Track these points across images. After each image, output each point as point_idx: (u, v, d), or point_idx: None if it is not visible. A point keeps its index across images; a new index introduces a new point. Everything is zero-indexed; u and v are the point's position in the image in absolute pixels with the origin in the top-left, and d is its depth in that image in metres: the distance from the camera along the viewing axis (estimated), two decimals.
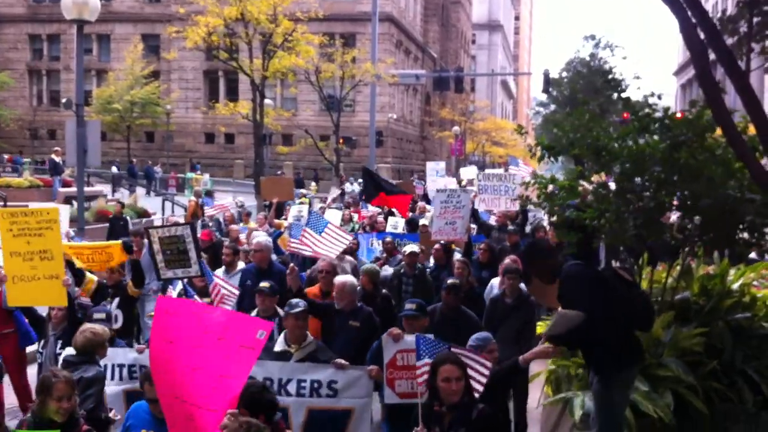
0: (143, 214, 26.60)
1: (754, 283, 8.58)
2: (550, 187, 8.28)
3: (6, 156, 49.56)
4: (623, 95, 8.06)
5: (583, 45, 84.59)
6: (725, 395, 7.34)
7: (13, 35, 69.19)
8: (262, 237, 11.79)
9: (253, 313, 8.45)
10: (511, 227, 15.04)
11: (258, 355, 5.21)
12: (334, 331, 8.32)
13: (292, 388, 6.98)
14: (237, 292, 10.25)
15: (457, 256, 12.88)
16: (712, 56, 5.90)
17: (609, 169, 7.70)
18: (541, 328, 9.06)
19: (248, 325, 5.28)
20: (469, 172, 28.72)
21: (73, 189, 23.70)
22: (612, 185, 7.84)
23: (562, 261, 6.58)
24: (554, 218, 8.36)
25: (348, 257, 12.53)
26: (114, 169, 46.51)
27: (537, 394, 8.93)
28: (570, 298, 5.93)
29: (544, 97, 69.65)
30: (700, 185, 7.05)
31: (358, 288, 9.57)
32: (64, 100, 22.63)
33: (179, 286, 10.07)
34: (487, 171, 20.28)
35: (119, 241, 12.23)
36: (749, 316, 7.85)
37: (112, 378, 7.72)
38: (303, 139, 43.91)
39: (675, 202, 7.52)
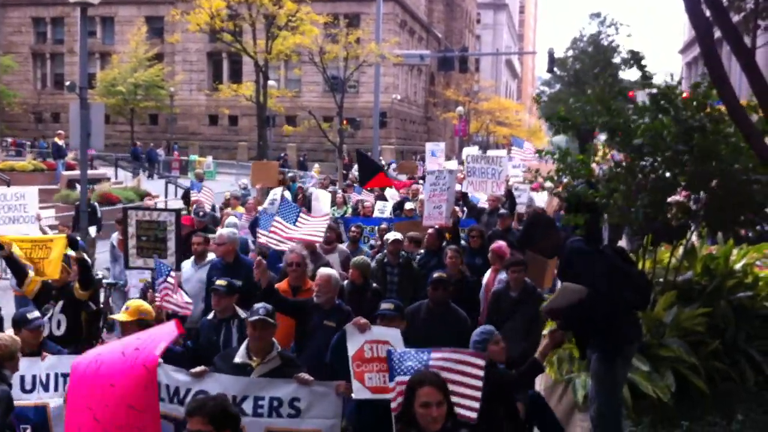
0: (146, 196, 26.59)
1: (757, 263, 8.55)
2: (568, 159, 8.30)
3: (9, 139, 49.60)
4: (643, 72, 7.79)
5: (589, 23, 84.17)
6: (727, 375, 7.34)
7: (17, 18, 69.11)
8: (226, 229, 10.84)
9: (210, 315, 7.76)
10: (502, 211, 14.53)
11: (155, 377, 5.07)
12: (308, 331, 7.60)
13: (248, 406, 6.07)
14: (188, 301, 8.68)
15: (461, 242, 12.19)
16: (717, 34, 5.84)
17: (625, 146, 7.62)
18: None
19: (151, 343, 5.16)
20: (471, 152, 28.60)
21: (77, 172, 23.72)
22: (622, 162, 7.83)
23: (565, 235, 6.51)
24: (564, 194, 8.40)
25: (340, 246, 11.84)
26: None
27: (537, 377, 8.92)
28: (573, 272, 5.88)
29: (548, 77, 69.49)
30: (709, 165, 7.04)
31: (346, 282, 9.24)
32: (67, 83, 22.58)
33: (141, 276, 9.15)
34: (475, 153, 19.57)
35: (63, 235, 10.33)
36: (752, 295, 7.83)
37: (56, 389, 6.76)
38: (306, 121, 43.77)
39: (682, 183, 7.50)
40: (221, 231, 10.44)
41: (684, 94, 7.50)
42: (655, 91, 7.48)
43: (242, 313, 7.43)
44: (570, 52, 65.28)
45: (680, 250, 8.12)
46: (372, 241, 13.78)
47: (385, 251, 10.74)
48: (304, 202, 18.30)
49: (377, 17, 41.98)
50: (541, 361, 6.00)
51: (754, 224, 7.68)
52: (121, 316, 7.17)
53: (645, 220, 7.39)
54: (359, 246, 12.59)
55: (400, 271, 10.37)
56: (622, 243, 11.65)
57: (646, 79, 7.61)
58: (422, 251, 11.34)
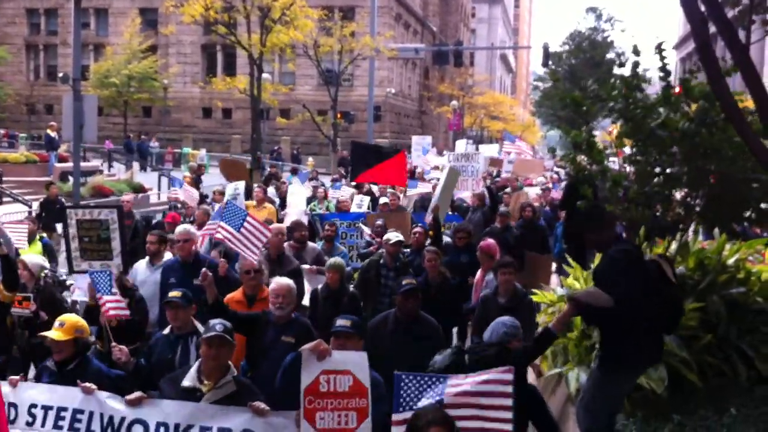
0: (139, 189, 26.56)
1: (749, 258, 8.57)
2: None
3: (2, 131, 49.40)
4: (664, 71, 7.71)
5: (584, 17, 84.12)
6: (719, 370, 7.36)
7: (11, 9, 68.78)
8: (185, 225, 9.97)
9: (165, 331, 6.86)
10: (503, 208, 14.24)
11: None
12: (262, 348, 6.79)
13: None
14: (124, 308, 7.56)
15: (446, 239, 11.86)
16: (712, 29, 5.84)
17: (635, 134, 7.56)
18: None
19: None
20: (460, 146, 28.54)
21: (70, 164, 23.67)
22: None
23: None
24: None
25: (311, 245, 11.09)
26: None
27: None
28: (605, 281, 5.72)
29: (543, 71, 69.51)
30: (711, 161, 7.05)
31: (320, 286, 8.85)
32: (61, 75, 22.46)
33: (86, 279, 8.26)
34: (456, 151, 19.30)
35: None
36: (744, 291, 7.85)
37: None
38: (300, 114, 43.72)
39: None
40: (179, 227, 9.57)
41: (677, 89, 7.50)
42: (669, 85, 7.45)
43: (200, 327, 6.65)
44: (566, 47, 65.37)
45: (673, 245, 8.12)
46: (354, 238, 13.17)
47: (382, 251, 10.07)
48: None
49: (372, 10, 41.97)
50: (556, 329, 5.91)
51: (752, 222, 7.70)
52: (54, 333, 6.10)
53: (654, 217, 7.45)
54: (335, 245, 11.92)
55: (396, 274, 9.50)
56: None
57: (665, 74, 7.51)
58: (408, 250, 10.79)
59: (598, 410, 5.90)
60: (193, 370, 5.58)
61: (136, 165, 41.22)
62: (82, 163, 25.22)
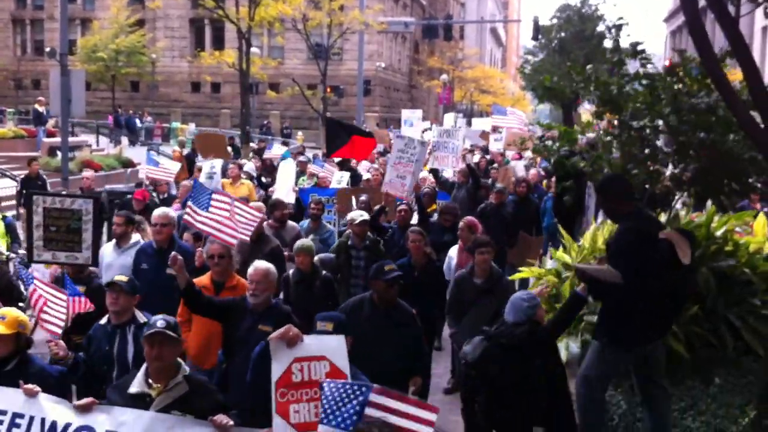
0: (128, 164, 26.45)
1: (737, 229, 8.62)
2: (552, 133, 8.37)
3: None
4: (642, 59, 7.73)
5: None
6: (707, 341, 7.43)
7: None
8: (162, 209, 9.32)
9: (102, 320, 6.37)
10: (498, 185, 13.94)
11: None
12: (238, 337, 6.38)
13: None
14: (64, 298, 6.91)
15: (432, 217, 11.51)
16: (702, 2, 5.85)
17: (618, 114, 7.59)
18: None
19: None
20: (449, 120, 28.32)
21: (58, 139, 23.55)
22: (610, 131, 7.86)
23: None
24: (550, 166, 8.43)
25: (291, 224, 10.70)
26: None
27: None
28: (616, 260, 5.70)
29: (533, 45, 69.21)
30: (701, 136, 7.08)
31: (291, 271, 8.50)
32: (48, 50, 22.25)
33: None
34: (441, 127, 18.54)
35: None
36: (732, 263, 7.90)
37: None
38: (290, 88, 43.48)
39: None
40: (158, 210, 9.13)
41: (666, 63, 7.53)
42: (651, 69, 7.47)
43: (142, 318, 6.26)
44: (555, 21, 65.02)
45: (662, 217, 8.16)
46: (332, 214, 12.90)
47: (349, 232, 9.65)
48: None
49: None
50: (584, 292, 5.90)
51: (741, 194, 7.75)
52: None
53: (642, 189, 7.47)
54: (321, 223, 11.41)
55: (367, 254, 9.33)
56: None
57: (644, 60, 7.55)
58: (393, 226, 10.63)
59: (595, 381, 5.94)
60: (140, 374, 5.02)
61: (124, 140, 41.00)
62: (71, 138, 25.08)
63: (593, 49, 50.23)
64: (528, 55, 70.24)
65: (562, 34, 61.68)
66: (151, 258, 8.37)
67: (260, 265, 6.54)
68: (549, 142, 8.37)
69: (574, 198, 9.02)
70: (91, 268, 8.20)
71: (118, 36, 54.39)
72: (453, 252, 9.65)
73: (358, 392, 4.45)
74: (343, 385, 4.53)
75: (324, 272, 8.55)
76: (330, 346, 4.80)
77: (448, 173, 16.00)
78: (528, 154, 22.19)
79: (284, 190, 13.93)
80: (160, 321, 5.01)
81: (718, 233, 8.26)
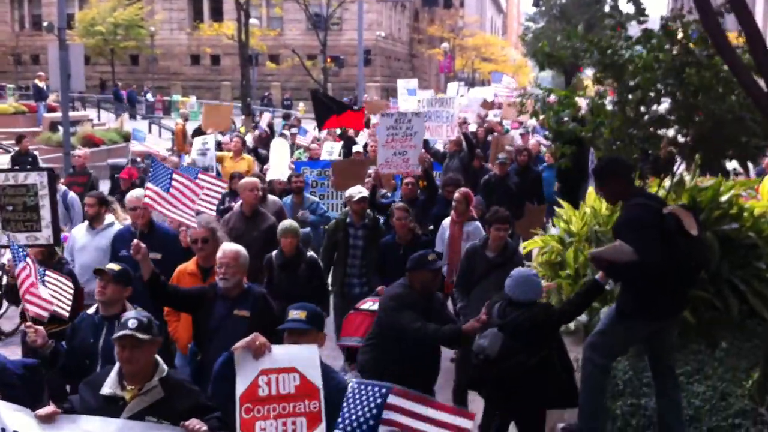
0: (129, 138, 26.40)
1: (742, 194, 8.60)
2: (551, 98, 8.31)
3: None
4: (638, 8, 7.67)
5: None
6: (711, 304, 7.43)
7: None
8: (138, 190, 8.71)
9: (91, 310, 5.93)
10: (501, 155, 13.51)
11: None
12: (212, 327, 5.95)
13: None
14: (47, 299, 6.38)
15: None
16: None
17: (619, 79, 7.53)
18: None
19: None
20: (452, 89, 28.07)
21: (58, 114, 23.51)
22: (608, 95, 7.81)
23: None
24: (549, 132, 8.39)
25: (272, 198, 10.27)
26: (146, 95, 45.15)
27: None
28: (628, 241, 5.56)
29: (534, 11, 68.74)
30: (701, 99, 7.03)
31: (275, 253, 8.10)
32: (46, 24, 22.12)
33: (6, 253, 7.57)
34: (431, 96, 17.88)
35: None
36: (737, 226, 7.88)
37: None
38: (290, 59, 43.31)
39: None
40: (133, 191, 8.71)
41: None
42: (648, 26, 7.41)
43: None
44: None
45: (667, 182, 8.14)
46: (324, 187, 12.42)
47: (347, 209, 9.31)
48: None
49: None
50: (603, 281, 5.82)
51: (741, 160, 7.70)
52: None
53: (642, 155, 7.41)
54: (305, 196, 11.11)
55: (366, 233, 9.02)
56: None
57: (640, 14, 7.49)
58: (397, 200, 10.18)
59: (607, 350, 5.92)
60: (113, 374, 4.54)
61: (125, 114, 40.92)
62: (71, 113, 25.02)
63: (594, 14, 49.86)
64: (529, 22, 69.80)
65: (563, 0, 61.24)
66: (129, 242, 7.42)
67: (229, 247, 6.18)
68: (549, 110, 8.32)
69: (576, 164, 8.97)
70: (61, 254, 7.74)
71: (116, 9, 54.23)
72: (446, 223, 9.32)
73: (377, 395, 4.29)
74: (364, 387, 4.36)
75: (309, 253, 8.20)
76: (301, 357, 4.35)
77: (440, 144, 15.56)
78: (531, 122, 21.97)
79: (278, 167, 13.40)
80: (131, 320, 4.50)
81: (724, 198, 8.24)
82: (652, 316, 5.70)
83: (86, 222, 8.82)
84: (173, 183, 7.26)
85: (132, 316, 4.59)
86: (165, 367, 4.57)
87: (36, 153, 18.24)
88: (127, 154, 22.67)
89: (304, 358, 4.36)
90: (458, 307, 8.14)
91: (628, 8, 7.74)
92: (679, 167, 8.11)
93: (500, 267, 7.39)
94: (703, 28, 6.36)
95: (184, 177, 7.55)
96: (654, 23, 7.57)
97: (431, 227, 9.82)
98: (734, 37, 6.50)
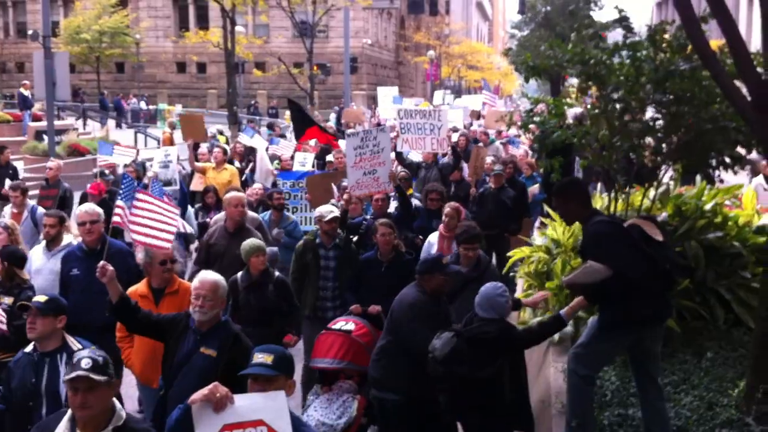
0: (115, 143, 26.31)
1: (726, 202, 8.66)
2: (540, 107, 8.36)
3: None
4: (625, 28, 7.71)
5: None
6: (697, 313, 7.47)
7: None
8: (88, 204, 8.35)
9: (28, 348, 5.46)
10: (497, 167, 13.07)
11: None
12: (178, 362, 5.52)
13: None
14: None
15: (416, 202, 10.81)
16: None
17: (602, 89, 7.57)
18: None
19: None
20: (438, 97, 27.99)
21: (44, 123, 23.41)
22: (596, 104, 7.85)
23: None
24: (536, 144, 8.42)
25: (251, 214, 9.77)
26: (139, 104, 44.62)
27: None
28: (597, 257, 5.61)
29: (519, 18, 69.09)
30: (683, 108, 7.08)
31: (240, 274, 7.65)
32: (30, 32, 22.04)
33: None
34: (409, 107, 16.49)
35: None
36: (721, 235, 7.93)
37: None
38: (276, 67, 43.27)
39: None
40: (82, 206, 8.15)
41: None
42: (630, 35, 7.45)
43: (75, 345, 5.38)
44: None
45: (651, 191, 8.19)
46: (297, 199, 11.92)
47: (316, 229, 8.83)
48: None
49: None
50: (566, 318, 5.89)
51: (724, 167, 7.75)
52: None
53: (627, 162, 7.46)
54: (284, 215, 10.77)
55: (338, 254, 8.57)
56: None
57: (627, 30, 7.53)
58: (368, 217, 9.94)
59: (594, 361, 5.93)
60: (65, 420, 4.11)
61: (111, 122, 40.77)
62: (57, 122, 24.91)
63: (579, 21, 50.19)
64: (514, 30, 70.09)
65: (548, 8, 61.56)
66: (82, 262, 7.37)
67: (207, 276, 5.64)
68: (537, 118, 8.36)
69: (563, 173, 9.01)
70: (26, 277, 7.33)
71: (101, 16, 53.97)
72: (433, 238, 9.07)
73: None
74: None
75: (277, 274, 7.81)
76: (267, 407, 3.86)
77: (415, 156, 14.65)
78: (510, 132, 21.88)
79: (263, 176, 13.22)
80: (84, 360, 4.00)
81: (708, 206, 8.29)
82: (634, 324, 5.71)
83: (43, 243, 8.35)
84: (135, 203, 6.95)
85: (86, 354, 4.07)
86: (123, 413, 4.11)
87: (17, 165, 17.89)
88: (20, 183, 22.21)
89: (271, 409, 3.85)
90: None
91: (611, 14, 7.82)
92: (663, 176, 8.17)
93: (475, 281, 7.16)
94: (686, 35, 6.42)
95: (148, 195, 7.25)
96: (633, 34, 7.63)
97: (419, 237, 9.67)
98: (716, 45, 6.56)
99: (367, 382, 6.72)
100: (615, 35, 7.74)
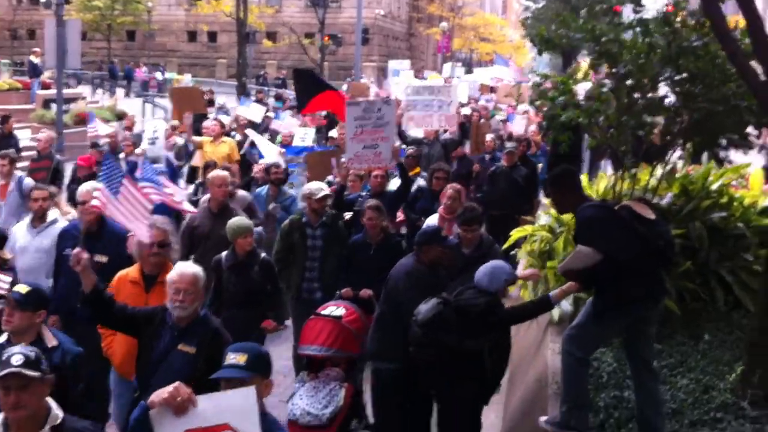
0: (123, 116, 26.28)
1: (733, 183, 8.58)
2: (547, 83, 8.26)
3: None
4: None
5: None
6: (697, 295, 7.43)
7: None
8: (89, 183, 7.78)
9: (2, 338, 4.93)
10: (509, 144, 12.70)
11: None
12: (154, 359, 5.17)
13: None
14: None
15: (421, 182, 10.45)
16: None
17: (613, 66, 7.48)
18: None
19: None
20: (446, 70, 27.62)
21: (52, 91, 23.37)
22: (606, 82, 7.76)
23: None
24: (544, 120, 8.33)
25: (241, 193, 9.57)
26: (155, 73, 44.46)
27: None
28: (588, 241, 5.59)
29: None
30: (696, 86, 6.99)
31: (224, 254, 7.37)
32: (43, 0, 21.97)
33: None
34: (416, 84, 15.87)
35: None
36: (725, 215, 7.87)
37: None
38: (287, 37, 43.09)
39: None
40: (84, 185, 7.73)
41: (669, 7, 7.38)
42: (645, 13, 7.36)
43: (51, 340, 4.90)
44: None
45: (658, 170, 8.11)
46: (295, 175, 11.67)
47: (304, 208, 8.50)
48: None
49: None
50: (554, 300, 5.92)
51: (736, 146, 7.68)
52: None
53: (636, 142, 7.40)
54: (281, 189, 10.41)
55: (325, 232, 8.22)
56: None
57: (635, 3, 7.44)
58: (364, 193, 9.51)
59: (588, 343, 5.91)
60: None
61: (120, 91, 40.70)
62: (66, 90, 24.87)
63: None
64: (529, 2, 69.40)
65: None
66: (77, 243, 6.54)
67: (186, 269, 5.30)
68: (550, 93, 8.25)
69: (570, 151, 8.94)
70: (8, 257, 6.88)
71: None
72: (432, 221, 8.54)
73: None
74: None
75: (263, 255, 7.50)
76: (234, 408, 3.50)
77: (415, 132, 14.11)
78: (520, 107, 21.53)
79: (273, 153, 12.49)
80: (15, 356, 3.66)
81: (714, 187, 8.22)
82: (627, 306, 5.68)
83: (28, 218, 7.95)
84: (122, 189, 6.50)
85: (16, 350, 3.74)
86: (59, 412, 3.77)
87: (23, 134, 17.77)
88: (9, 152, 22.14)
89: (238, 410, 3.48)
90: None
91: None
92: (672, 155, 8.09)
93: (477, 262, 6.87)
94: (704, 14, 6.32)
95: (134, 186, 6.74)
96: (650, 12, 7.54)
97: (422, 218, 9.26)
98: (732, 22, 6.46)
99: (362, 359, 6.69)
100: (630, 11, 7.63)
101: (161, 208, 7.32)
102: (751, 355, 5.96)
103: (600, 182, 9.05)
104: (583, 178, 9.11)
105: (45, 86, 28.09)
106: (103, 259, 6.65)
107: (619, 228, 5.60)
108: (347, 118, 9.76)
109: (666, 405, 5.88)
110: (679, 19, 7.12)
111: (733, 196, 8.28)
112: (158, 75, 46.88)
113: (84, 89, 36.19)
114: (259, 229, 8.93)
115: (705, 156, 8.73)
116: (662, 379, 6.11)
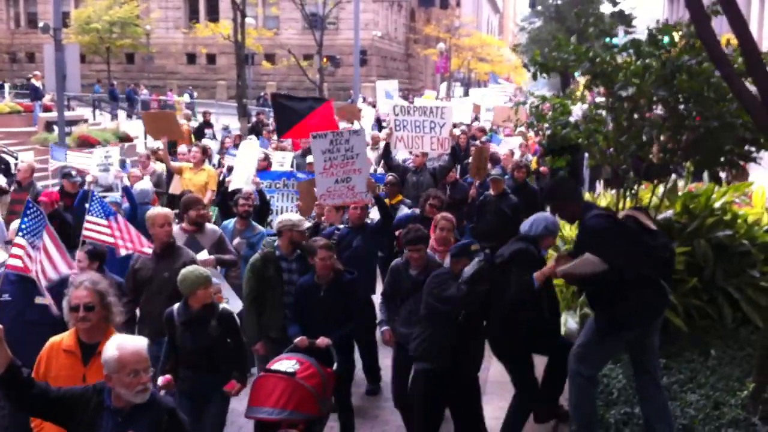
0: (125, 138, 26.34)
1: (736, 200, 8.64)
2: (545, 106, 8.34)
3: None
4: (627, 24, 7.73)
5: None
6: (705, 312, 7.47)
7: None
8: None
9: None
10: (495, 171, 11.97)
11: None
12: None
13: None
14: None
15: (405, 210, 9.83)
16: None
17: (609, 87, 7.56)
18: None
19: None
20: (444, 89, 27.68)
21: (54, 114, 23.45)
22: (601, 101, 7.84)
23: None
24: (544, 141, 8.40)
25: (210, 227, 8.57)
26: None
27: None
28: (594, 250, 5.62)
29: (529, 11, 68.76)
30: (692, 106, 7.06)
31: (177, 306, 6.43)
32: (41, 25, 22.07)
33: None
34: (407, 104, 15.18)
35: None
36: (730, 233, 7.92)
37: None
38: (286, 59, 43.24)
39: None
40: (14, 223, 7.13)
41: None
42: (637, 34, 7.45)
43: None
44: None
45: (660, 188, 8.17)
46: (277, 201, 11.07)
47: (273, 240, 7.82)
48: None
49: None
50: (536, 281, 5.97)
51: (732, 165, 7.72)
52: None
53: (635, 161, 7.45)
54: (251, 223, 9.23)
55: (300, 265, 7.60)
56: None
57: (626, 25, 7.56)
58: (342, 226, 8.92)
59: (595, 360, 5.94)
60: None
61: (122, 113, 40.78)
62: (67, 113, 24.95)
63: (586, 19, 49.85)
64: (524, 23, 69.76)
65: (559, 2, 61.17)
66: (14, 285, 6.24)
67: (137, 344, 4.21)
68: (545, 114, 8.34)
69: (570, 170, 8.99)
70: None
71: (112, 7, 54.00)
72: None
73: None
74: None
75: (222, 306, 6.49)
76: None
77: (404, 155, 13.36)
78: (522, 129, 21.06)
79: (242, 177, 11.39)
80: None
81: (717, 204, 8.28)
82: (630, 319, 5.72)
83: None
84: (44, 237, 6.03)
85: None
86: None
87: (25, 156, 17.80)
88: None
89: None
90: (378, 321, 7.70)
91: (625, 5, 7.80)
92: (672, 173, 8.15)
93: (424, 284, 6.64)
94: (697, 36, 6.40)
95: (53, 241, 6.39)
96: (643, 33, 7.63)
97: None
98: (725, 40, 6.54)
99: (321, 421, 5.69)
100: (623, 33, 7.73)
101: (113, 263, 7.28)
102: (761, 371, 5.99)
103: (602, 201, 9.10)
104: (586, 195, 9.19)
105: (47, 109, 28.20)
106: (46, 301, 6.03)
107: (624, 239, 5.67)
108: (314, 151, 9.26)
109: (676, 421, 5.91)
110: (667, 39, 7.21)
111: (737, 213, 8.33)
112: (186, 97, 46.93)
113: (85, 111, 36.23)
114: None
115: (706, 175, 8.81)
116: (672, 396, 6.14)
